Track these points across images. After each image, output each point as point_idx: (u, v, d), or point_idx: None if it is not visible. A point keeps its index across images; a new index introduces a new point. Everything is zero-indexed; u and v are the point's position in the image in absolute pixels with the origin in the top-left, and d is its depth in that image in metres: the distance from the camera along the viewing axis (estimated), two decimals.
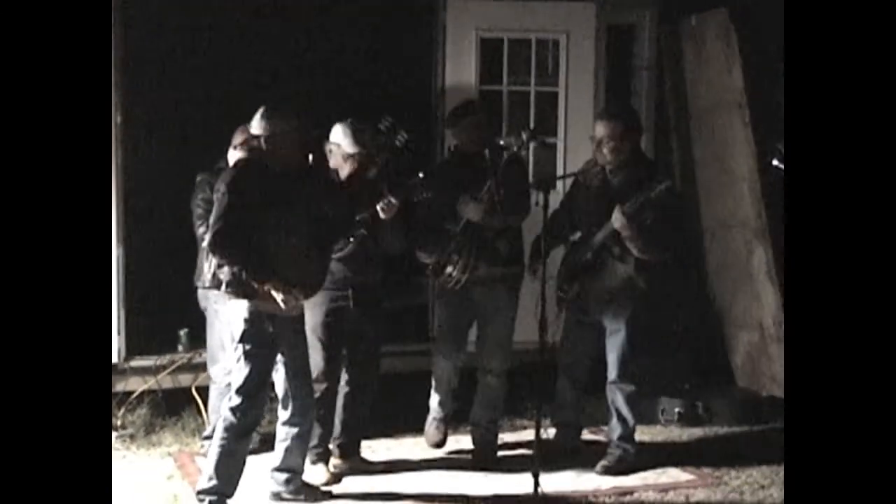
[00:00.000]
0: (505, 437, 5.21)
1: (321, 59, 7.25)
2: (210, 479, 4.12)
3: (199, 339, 5.37)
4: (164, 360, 5.50)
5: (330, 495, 4.50)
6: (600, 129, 4.73)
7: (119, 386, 5.31)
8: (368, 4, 6.64)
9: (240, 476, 4.18)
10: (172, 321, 5.66)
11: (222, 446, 4.11)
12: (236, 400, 4.12)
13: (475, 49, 6.17)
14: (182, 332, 5.64)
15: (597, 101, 6.25)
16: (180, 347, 5.65)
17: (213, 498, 4.11)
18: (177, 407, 5.45)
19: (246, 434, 4.19)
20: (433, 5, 6.19)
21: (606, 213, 4.64)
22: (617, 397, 4.85)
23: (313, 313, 4.50)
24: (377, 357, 4.83)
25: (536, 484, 4.19)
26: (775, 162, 4.80)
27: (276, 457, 4.36)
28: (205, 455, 4.81)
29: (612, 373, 4.86)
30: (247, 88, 6.51)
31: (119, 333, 5.39)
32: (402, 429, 5.35)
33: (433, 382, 5.12)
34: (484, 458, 4.96)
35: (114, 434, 5.08)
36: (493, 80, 6.25)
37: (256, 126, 4.23)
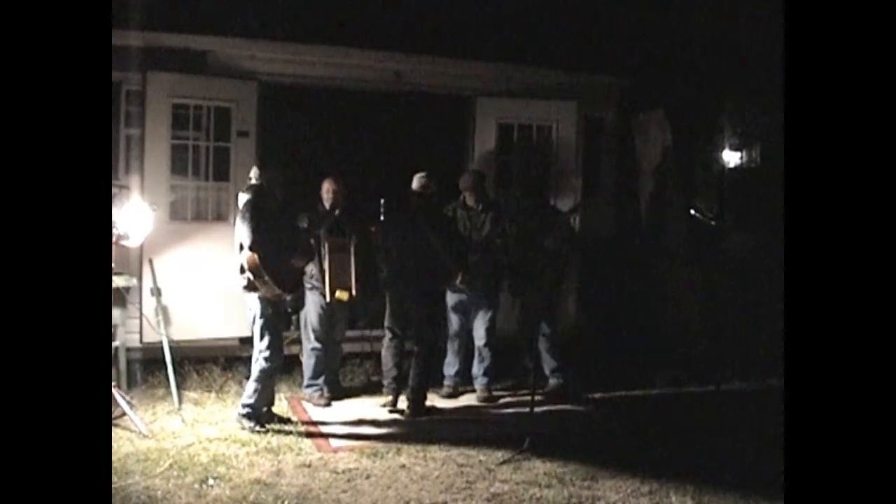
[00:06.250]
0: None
1: (388, 138, 8.70)
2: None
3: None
4: (286, 336, 6.63)
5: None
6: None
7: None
8: (422, 101, 7.71)
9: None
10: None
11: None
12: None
13: (495, 131, 7.41)
14: (294, 317, 6.87)
15: (576, 168, 7.51)
16: (292, 328, 6.95)
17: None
18: (290, 366, 6.77)
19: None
20: (467, 101, 7.50)
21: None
22: (543, 345, 6.78)
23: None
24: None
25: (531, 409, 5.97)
26: (692, 212, 6.68)
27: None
28: (307, 399, 6.36)
29: (543, 331, 6.77)
30: (333, 160, 7.89)
31: None
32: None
33: (447, 353, 6.76)
34: (487, 399, 6.63)
35: None
36: (508, 152, 7.50)
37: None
